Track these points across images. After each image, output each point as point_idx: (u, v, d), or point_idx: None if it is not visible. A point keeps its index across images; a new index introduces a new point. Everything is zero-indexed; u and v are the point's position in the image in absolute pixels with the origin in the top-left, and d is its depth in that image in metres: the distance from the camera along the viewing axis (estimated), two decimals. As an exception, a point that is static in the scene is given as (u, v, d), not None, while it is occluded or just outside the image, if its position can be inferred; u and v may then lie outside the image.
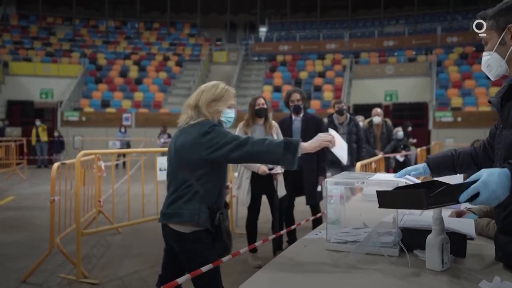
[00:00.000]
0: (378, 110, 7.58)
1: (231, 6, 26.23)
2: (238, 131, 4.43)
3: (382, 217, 1.91)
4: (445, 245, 1.57)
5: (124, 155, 12.67)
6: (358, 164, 5.00)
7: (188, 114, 2.34)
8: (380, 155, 6.85)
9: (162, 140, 15.87)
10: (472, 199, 1.33)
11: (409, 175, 1.92)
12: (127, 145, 16.78)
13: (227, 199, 2.75)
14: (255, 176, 4.38)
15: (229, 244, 2.34)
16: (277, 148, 2.11)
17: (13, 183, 11.31)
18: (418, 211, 1.96)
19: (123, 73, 21.98)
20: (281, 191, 4.60)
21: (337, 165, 6.01)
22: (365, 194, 2.62)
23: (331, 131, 2.24)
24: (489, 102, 1.77)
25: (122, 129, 17.11)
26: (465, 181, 1.36)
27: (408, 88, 19.73)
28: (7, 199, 8.83)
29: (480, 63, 1.76)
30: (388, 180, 1.88)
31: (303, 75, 21.87)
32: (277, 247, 4.73)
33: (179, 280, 1.99)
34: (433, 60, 20.62)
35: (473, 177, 1.35)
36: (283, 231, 3.96)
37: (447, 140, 15.94)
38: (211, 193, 2.27)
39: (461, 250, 1.70)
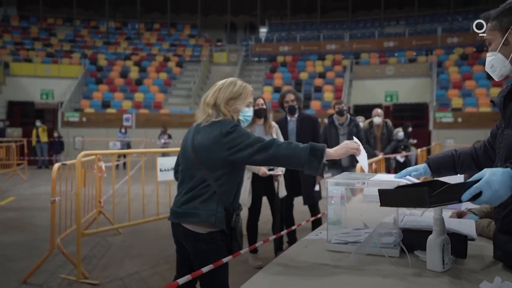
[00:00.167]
0: (379, 110, 7.58)
1: (231, 7, 26.24)
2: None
3: (382, 217, 1.91)
4: (446, 246, 1.57)
5: (124, 155, 12.67)
6: (359, 165, 4.99)
7: (207, 112, 2.26)
8: (381, 156, 6.85)
9: (162, 140, 15.88)
10: (474, 198, 1.33)
11: (410, 175, 1.92)
12: (128, 145, 16.78)
13: None
14: (255, 177, 4.39)
15: (242, 245, 2.31)
16: (303, 153, 2.04)
17: (14, 184, 11.32)
18: (419, 212, 1.96)
19: (124, 74, 22.01)
20: (282, 192, 4.60)
21: (337, 166, 6.03)
22: (366, 194, 2.62)
23: (355, 139, 2.22)
24: (491, 101, 1.78)
25: (123, 130, 17.12)
26: (468, 180, 1.36)
27: (408, 88, 19.75)
28: (8, 200, 8.83)
29: (480, 63, 1.76)
30: (389, 180, 1.88)
31: (303, 75, 21.89)
32: (278, 247, 4.73)
33: (180, 281, 1.98)
34: (434, 60, 20.63)
35: (475, 176, 1.35)
36: (283, 232, 3.97)
37: (447, 141, 15.94)
38: (228, 194, 2.21)
39: (462, 251, 1.70)
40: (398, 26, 25.96)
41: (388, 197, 1.48)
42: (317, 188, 4.89)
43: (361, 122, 7.81)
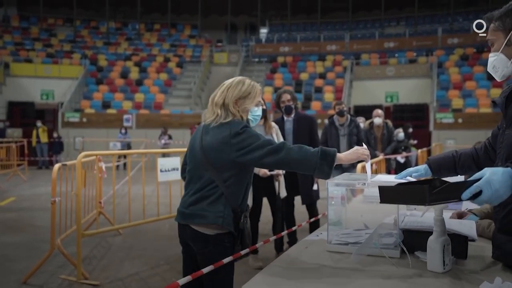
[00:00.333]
0: (379, 111, 7.58)
1: (232, 7, 26.24)
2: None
3: (383, 218, 1.91)
4: (447, 247, 1.57)
5: (124, 156, 12.67)
6: (359, 166, 4.99)
7: (216, 113, 2.21)
8: (381, 157, 6.85)
9: (162, 141, 15.88)
10: (474, 197, 1.33)
11: (410, 176, 1.92)
12: (128, 146, 16.79)
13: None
14: (256, 178, 4.36)
15: (249, 246, 2.29)
16: (314, 158, 2.02)
17: (14, 184, 11.32)
18: (419, 212, 1.96)
19: (124, 74, 22.01)
20: (283, 192, 4.59)
21: (337, 166, 6.01)
22: (366, 195, 2.62)
23: (365, 146, 2.22)
24: (493, 102, 1.78)
25: (123, 130, 17.13)
26: (468, 179, 1.36)
27: (408, 89, 19.75)
28: (8, 200, 8.83)
29: (481, 64, 1.77)
30: (389, 181, 1.88)
31: (303, 76, 21.89)
32: (278, 248, 4.73)
33: (180, 282, 1.98)
34: (434, 61, 20.63)
35: (476, 175, 1.35)
36: (284, 232, 3.96)
37: (447, 142, 15.94)
38: (237, 196, 2.17)
39: (462, 252, 1.70)
40: (398, 26, 25.96)
41: (388, 194, 1.48)
42: (315, 187, 4.88)
43: (362, 122, 7.80)
